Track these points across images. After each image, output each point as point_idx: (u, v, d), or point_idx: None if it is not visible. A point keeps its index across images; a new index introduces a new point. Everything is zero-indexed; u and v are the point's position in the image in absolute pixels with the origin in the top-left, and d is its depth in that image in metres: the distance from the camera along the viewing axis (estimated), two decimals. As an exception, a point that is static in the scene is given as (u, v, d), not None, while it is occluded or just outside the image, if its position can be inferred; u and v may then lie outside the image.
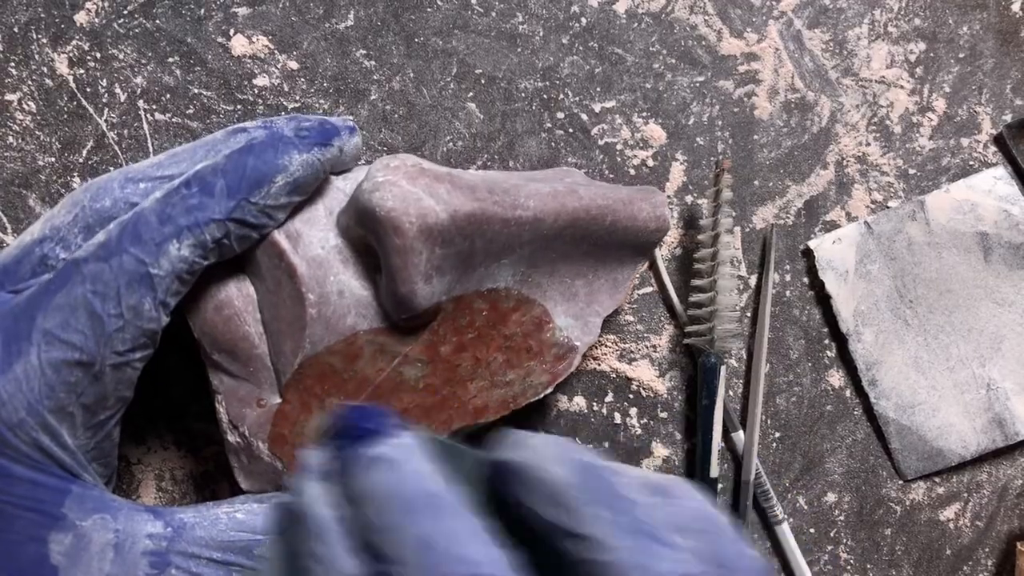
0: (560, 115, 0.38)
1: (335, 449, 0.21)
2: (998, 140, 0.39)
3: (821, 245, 0.38)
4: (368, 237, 0.28)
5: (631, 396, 0.37)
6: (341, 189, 0.30)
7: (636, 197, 0.32)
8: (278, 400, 0.30)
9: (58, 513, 0.26)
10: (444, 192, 0.27)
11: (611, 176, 0.38)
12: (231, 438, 0.30)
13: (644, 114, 0.38)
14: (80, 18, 0.36)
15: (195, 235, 0.26)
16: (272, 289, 0.29)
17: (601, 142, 0.38)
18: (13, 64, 0.35)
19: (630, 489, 0.19)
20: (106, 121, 0.36)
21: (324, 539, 0.20)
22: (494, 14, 0.38)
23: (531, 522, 0.20)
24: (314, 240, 0.28)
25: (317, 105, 0.36)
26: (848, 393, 0.38)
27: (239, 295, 0.29)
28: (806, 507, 0.38)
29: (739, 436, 0.37)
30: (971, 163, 0.39)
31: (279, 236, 0.28)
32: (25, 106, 0.35)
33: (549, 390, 0.33)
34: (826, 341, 0.38)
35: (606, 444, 0.37)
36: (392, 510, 0.19)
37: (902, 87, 0.39)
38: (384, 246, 0.27)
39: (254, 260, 0.29)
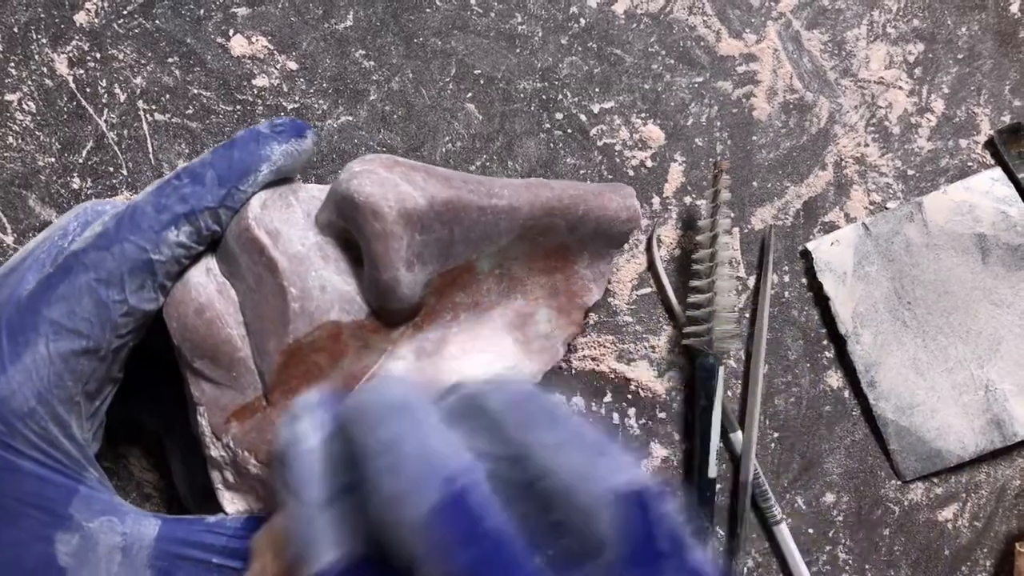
0: (559, 116, 0.38)
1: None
2: (989, 145, 0.39)
3: (819, 246, 0.38)
4: (348, 227, 0.28)
5: (630, 396, 0.37)
6: (317, 197, 0.30)
7: (605, 189, 0.33)
8: (263, 405, 0.29)
9: (65, 513, 0.26)
10: (420, 179, 0.28)
11: (610, 177, 0.38)
12: (214, 452, 0.29)
13: (643, 115, 0.38)
14: (80, 18, 0.36)
15: (191, 222, 0.28)
16: (254, 287, 0.29)
17: (600, 143, 0.38)
18: (13, 64, 0.35)
19: (566, 411, 0.20)
20: (106, 121, 0.36)
21: (295, 468, 0.21)
22: (493, 15, 0.38)
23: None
24: (294, 237, 0.29)
25: (316, 106, 0.37)
26: (847, 394, 0.38)
27: (220, 298, 0.29)
28: (804, 507, 0.38)
29: (737, 437, 0.37)
30: (969, 164, 0.39)
31: (259, 232, 0.28)
32: (25, 106, 0.35)
33: (538, 378, 0.33)
34: (824, 342, 0.38)
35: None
36: (376, 419, 0.20)
37: (900, 88, 0.39)
38: (364, 233, 0.28)
39: (235, 259, 0.29)
